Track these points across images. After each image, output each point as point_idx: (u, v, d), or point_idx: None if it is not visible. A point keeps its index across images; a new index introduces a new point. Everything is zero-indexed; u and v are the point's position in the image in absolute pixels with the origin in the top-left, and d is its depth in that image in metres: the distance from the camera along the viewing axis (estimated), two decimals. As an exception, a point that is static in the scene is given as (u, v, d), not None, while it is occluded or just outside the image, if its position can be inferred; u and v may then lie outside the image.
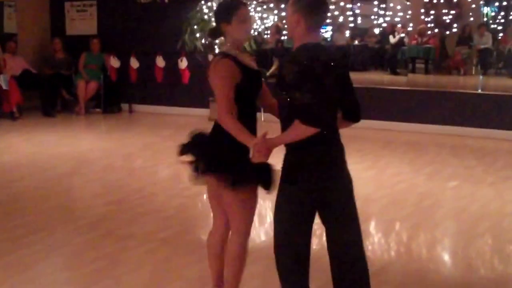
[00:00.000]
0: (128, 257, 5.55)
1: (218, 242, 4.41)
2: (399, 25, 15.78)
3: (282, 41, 15.64)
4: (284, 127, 3.78)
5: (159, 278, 5.09)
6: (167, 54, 13.39)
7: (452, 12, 15.40)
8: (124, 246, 5.82)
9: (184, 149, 4.19)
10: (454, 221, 6.81)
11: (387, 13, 16.46)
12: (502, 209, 7.16)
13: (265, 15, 14.67)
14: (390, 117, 12.01)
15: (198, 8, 12.86)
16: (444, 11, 15.44)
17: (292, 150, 3.78)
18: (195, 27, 12.69)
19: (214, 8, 12.19)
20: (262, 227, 6.52)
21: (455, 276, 5.38)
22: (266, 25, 15.13)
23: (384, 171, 8.84)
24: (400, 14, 15.74)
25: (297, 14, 3.70)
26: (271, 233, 6.22)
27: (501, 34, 14.81)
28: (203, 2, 12.77)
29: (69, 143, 10.89)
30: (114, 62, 13.80)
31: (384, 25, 16.53)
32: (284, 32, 15.51)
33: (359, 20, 17.22)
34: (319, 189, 3.80)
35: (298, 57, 3.67)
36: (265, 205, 6.82)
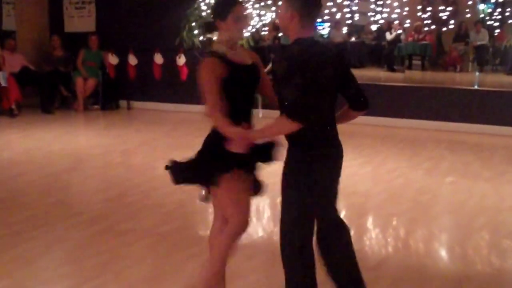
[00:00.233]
0: (128, 252, 5.58)
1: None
2: (396, 22, 15.82)
3: (279, 38, 15.66)
4: None
5: (159, 273, 5.12)
6: (165, 51, 13.40)
7: (449, 9, 15.44)
8: (124, 241, 5.85)
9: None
10: (451, 216, 6.85)
11: (384, 10, 16.49)
12: (499, 204, 7.20)
13: (262, 12, 14.69)
14: (387, 113, 12.04)
15: (196, 5, 12.89)
16: (440, 8, 15.49)
17: (294, 147, 3.83)
18: (193, 24, 12.73)
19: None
20: (260, 223, 6.56)
21: (452, 270, 5.41)
22: (264, 22, 15.15)
23: (382, 167, 8.87)
24: (397, 11, 15.77)
25: (290, 10, 3.74)
26: (269, 228, 6.32)
27: (497, 31, 14.87)
28: (201, -1, 12.82)
29: (68, 140, 10.92)
30: (113, 59, 13.82)
31: (381, 22, 16.57)
32: (282, 28, 15.54)
33: (356, 17, 17.24)
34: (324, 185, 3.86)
35: (288, 52, 3.72)
36: (263, 202, 6.87)
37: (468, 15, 15.09)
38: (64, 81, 13.87)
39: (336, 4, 15.53)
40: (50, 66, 13.93)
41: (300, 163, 3.80)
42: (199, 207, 7.28)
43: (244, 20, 4.13)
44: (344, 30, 16.75)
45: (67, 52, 14.18)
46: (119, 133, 11.60)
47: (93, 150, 10.08)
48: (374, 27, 16.94)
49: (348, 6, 16.72)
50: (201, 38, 12.77)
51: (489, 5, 15.59)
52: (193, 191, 7.40)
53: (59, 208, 6.98)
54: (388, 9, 16.31)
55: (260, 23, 14.89)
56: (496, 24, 15.03)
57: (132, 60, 13.81)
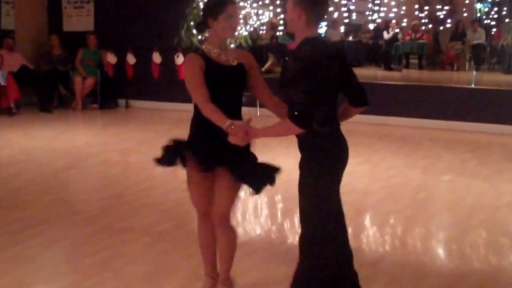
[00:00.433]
0: (127, 250, 5.61)
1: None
2: (393, 21, 15.87)
3: (277, 37, 15.71)
4: None
5: (158, 270, 5.15)
6: (164, 50, 13.41)
7: (446, 8, 15.50)
8: (123, 239, 5.87)
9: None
10: (448, 213, 6.88)
11: (381, 9, 16.55)
12: (496, 202, 7.23)
13: (260, 11, 14.72)
14: (384, 112, 12.06)
15: (194, 5, 12.91)
16: (437, 7, 15.55)
17: (302, 143, 3.86)
18: (192, 23, 12.75)
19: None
20: (258, 221, 6.60)
21: (449, 267, 5.44)
22: (262, 21, 15.18)
23: (379, 165, 8.91)
24: (394, 10, 15.83)
25: (298, 8, 3.76)
26: (266, 226, 6.35)
27: (494, 30, 14.92)
28: (199, -2, 12.84)
29: (66, 139, 10.93)
30: (111, 58, 13.83)
31: (378, 21, 16.62)
32: (280, 28, 15.59)
33: (353, 16, 17.29)
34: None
35: (301, 51, 3.73)
36: (261, 199, 6.90)
37: (465, 14, 15.16)
38: (63, 80, 13.89)
39: (333, 3, 15.58)
40: (48, 65, 13.95)
41: (319, 158, 3.82)
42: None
43: (235, 19, 4.14)
44: (342, 29, 16.80)
45: (65, 51, 14.19)
46: (118, 132, 11.62)
47: (91, 149, 10.09)
48: (371, 26, 16.99)
49: (345, 5, 16.77)
50: (199, 37, 12.79)
51: (486, 4, 15.65)
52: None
53: (58, 206, 7.00)
54: (385, 8, 16.37)
55: (258, 22, 14.92)
56: (493, 23, 15.10)
57: (131, 59, 13.83)
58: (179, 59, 13.17)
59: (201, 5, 12.58)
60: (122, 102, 14.38)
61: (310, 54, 3.68)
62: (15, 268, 5.18)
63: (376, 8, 16.85)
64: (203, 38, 12.53)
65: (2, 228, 6.15)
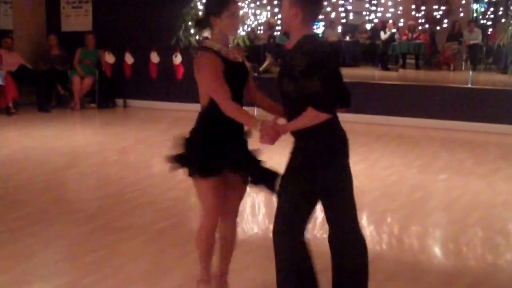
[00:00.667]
0: (125, 248, 5.64)
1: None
2: (390, 21, 15.90)
3: (274, 37, 15.75)
4: (290, 117, 3.91)
5: (156, 268, 5.18)
6: (162, 50, 13.44)
7: (442, 8, 15.54)
8: (121, 237, 5.90)
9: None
10: (445, 212, 6.91)
11: (378, 9, 16.58)
12: (492, 200, 7.26)
13: (258, 12, 14.76)
14: (381, 112, 12.09)
15: (192, 5, 12.93)
16: (434, 7, 15.59)
17: (298, 140, 3.91)
18: (190, 23, 12.78)
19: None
20: (255, 219, 6.64)
21: (446, 265, 5.48)
22: (259, 21, 15.22)
23: (376, 164, 8.94)
24: (391, 10, 15.86)
25: (294, 7, 3.80)
26: (263, 225, 6.39)
27: (490, 30, 14.96)
28: (197, -2, 12.88)
29: (65, 138, 10.96)
30: (109, 58, 13.85)
31: (376, 21, 16.66)
32: (277, 28, 15.62)
33: (350, 16, 17.33)
34: (323, 178, 3.92)
35: (306, 46, 3.79)
36: (258, 198, 6.93)
37: (462, 15, 15.20)
38: (61, 79, 13.89)
39: (331, 4, 15.62)
40: (47, 65, 13.96)
41: (306, 156, 3.89)
42: (195, 204, 7.34)
43: (238, 17, 4.15)
44: (339, 29, 16.83)
45: (64, 51, 14.21)
46: (116, 131, 11.65)
47: (89, 148, 10.13)
48: (368, 26, 17.03)
49: (342, 5, 16.81)
50: (197, 37, 12.82)
51: (482, 5, 15.69)
52: (189, 189, 7.49)
53: (57, 205, 7.03)
54: (382, 9, 16.41)
55: (256, 22, 14.96)
56: (489, 23, 15.14)
57: (129, 59, 13.84)
58: (177, 59, 13.20)
59: (199, 5, 12.63)
60: (120, 101, 14.40)
61: (316, 47, 3.78)
62: (14, 266, 5.21)
63: (373, 8, 16.89)
64: (201, 38, 12.57)
65: (1, 226, 6.18)
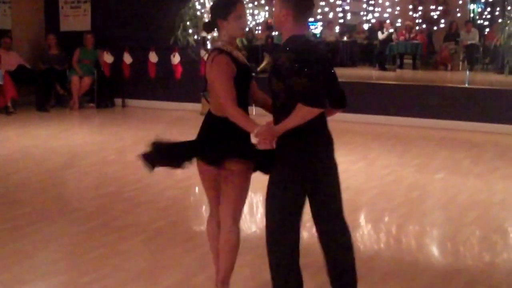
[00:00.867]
0: (124, 247, 5.66)
1: (217, 232, 4.47)
2: (388, 21, 15.92)
3: (272, 37, 15.77)
4: (278, 117, 3.92)
5: (155, 267, 5.21)
6: (160, 50, 13.44)
7: (440, 8, 15.56)
8: (120, 236, 5.93)
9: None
10: (442, 211, 6.95)
11: (376, 9, 16.60)
12: (489, 199, 7.28)
13: (256, 12, 14.79)
14: (379, 111, 12.10)
15: (191, 4, 12.95)
16: (431, 7, 15.61)
17: (284, 138, 3.91)
18: (188, 23, 12.80)
19: (207, 4, 12.32)
20: (252, 218, 6.66)
21: (443, 264, 5.51)
22: (257, 22, 15.26)
23: (374, 163, 8.96)
24: (389, 10, 15.88)
25: (285, 9, 3.85)
26: (261, 224, 6.40)
27: (487, 30, 14.99)
28: (195, -2, 12.91)
29: (64, 137, 10.97)
30: (108, 58, 13.85)
31: (373, 21, 16.68)
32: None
33: (348, 16, 17.34)
34: (311, 177, 3.96)
35: (292, 45, 3.83)
36: (256, 197, 6.96)
37: (459, 15, 15.21)
38: (60, 79, 13.90)
39: (328, 4, 15.64)
40: (45, 64, 13.96)
41: (296, 150, 3.90)
42: (193, 203, 7.41)
43: (244, 18, 4.19)
44: (337, 29, 16.85)
45: (62, 51, 14.21)
46: (114, 130, 11.66)
47: (88, 147, 10.14)
48: (366, 27, 17.06)
49: (340, 5, 16.83)
50: (195, 37, 12.86)
51: (479, 5, 15.72)
52: (187, 188, 7.56)
53: (56, 204, 7.07)
54: (379, 9, 16.43)
55: (254, 23, 14.99)
56: (486, 23, 15.17)
57: (127, 58, 13.85)
58: (175, 59, 13.21)
59: (197, 5, 12.66)
60: (118, 101, 14.39)
61: (302, 46, 3.81)
62: (13, 264, 5.24)
63: (371, 8, 16.91)
64: (199, 38, 12.61)
65: (0, 225, 6.20)
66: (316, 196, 4.07)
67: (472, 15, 15.83)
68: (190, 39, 12.87)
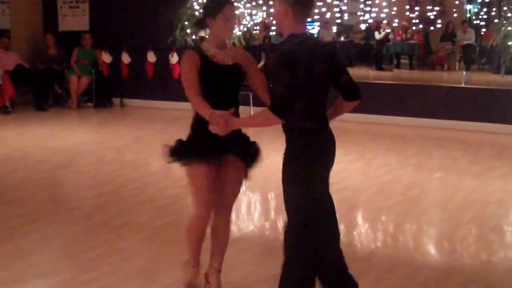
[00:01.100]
0: (123, 245, 5.69)
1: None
2: (384, 22, 15.93)
3: (270, 37, 15.78)
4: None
5: (154, 265, 5.23)
6: (158, 50, 13.46)
7: (436, 8, 15.59)
8: (120, 234, 5.96)
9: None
10: (439, 210, 6.98)
11: (373, 9, 16.60)
12: (486, 198, 7.31)
13: (253, 12, 14.81)
14: (376, 111, 12.13)
15: (189, 5, 12.97)
16: (428, 7, 15.63)
17: (295, 139, 3.90)
18: (186, 23, 12.83)
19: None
20: (251, 216, 6.70)
21: (440, 262, 5.54)
22: (255, 22, 15.27)
23: (371, 163, 8.99)
24: (386, 10, 15.89)
25: (284, 7, 3.84)
26: (259, 222, 6.44)
27: (483, 30, 15.01)
28: (193, -2, 12.93)
29: (62, 137, 10.98)
30: (106, 57, 13.87)
31: (370, 21, 16.68)
32: (272, 28, 15.67)
33: (345, 16, 17.35)
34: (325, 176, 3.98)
35: (280, 48, 3.83)
36: (254, 197, 6.99)
37: (455, 15, 15.22)
38: (58, 79, 13.92)
39: (326, 4, 15.65)
40: (44, 64, 13.97)
41: (297, 152, 3.88)
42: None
43: (233, 20, 4.22)
44: (334, 29, 16.86)
45: (61, 51, 14.23)
46: (113, 130, 11.69)
47: (87, 146, 10.16)
48: (363, 27, 17.07)
49: (337, 6, 16.84)
50: (193, 37, 12.88)
51: (476, 6, 15.74)
52: (186, 187, 7.53)
53: (54, 203, 7.10)
54: (376, 9, 16.43)
55: (251, 23, 15.00)
56: (482, 24, 15.18)
57: (126, 58, 13.87)
58: (174, 58, 13.23)
59: (195, 5, 12.67)
60: (116, 100, 14.42)
61: (291, 48, 3.76)
62: (12, 263, 5.27)
63: (368, 8, 16.92)
64: (198, 38, 12.63)
65: (-1, 224, 6.23)
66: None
67: (468, 15, 15.84)
68: (188, 39, 12.90)
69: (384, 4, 15.78)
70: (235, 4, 4.35)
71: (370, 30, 16.60)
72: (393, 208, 6.93)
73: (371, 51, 16.39)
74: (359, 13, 17.05)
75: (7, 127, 11.71)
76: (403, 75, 15.21)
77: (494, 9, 14.73)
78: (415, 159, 9.22)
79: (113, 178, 8.12)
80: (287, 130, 3.90)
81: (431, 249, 5.94)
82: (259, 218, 6.68)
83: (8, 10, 14.73)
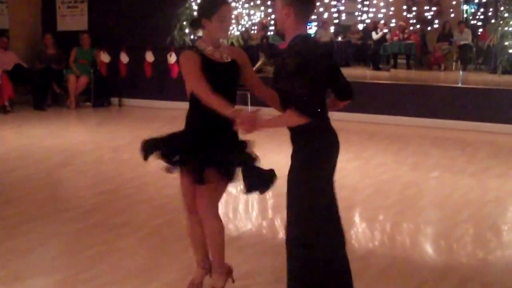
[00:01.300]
0: (122, 244, 5.70)
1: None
2: (382, 22, 15.97)
3: (268, 37, 15.83)
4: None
5: (153, 264, 5.24)
6: (157, 49, 13.49)
7: (433, 9, 15.63)
8: (118, 233, 5.97)
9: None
10: (436, 209, 6.98)
11: (370, 10, 16.64)
12: (483, 197, 7.33)
13: (251, 12, 14.83)
14: (374, 111, 12.16)
15: (187, 5, 13.00)
16: (425, 8, 15.67)
17: (302, 137, 3.91)
18: (184, 23, 12.85)
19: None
20: (248, 216, 6.72)
21: (437, 261, 5.55)
22: (253, 22, 15.29)
23: (369, 162, 9.01)
24: (383, 11, 15.93)
25: (287, 7, 3.85)
26: (256, 222, 6.45)
27: (480, 30, 15.06)
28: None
29: (60, 136, 11.00)
30: (105, 57, 13.90)
31: (367, 21, 16.72)
32: (270, 28, 15.70)
33: (343, 16, 17.39)
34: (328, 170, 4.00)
35: (298, 47, 3.84)
36: (252, 195, 6.99)
37: (452, 15, 15.28)
38: (57, 78, 13.95)
39: (323, 4, 15.69)
40: (42, 64, 14.01)
41: (314, 151, 3.89)
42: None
43: (228, 20, 4.23)
44: (331, 29, 16.90)
45: (59, 50, 14.26)
46: (111, 129, 11.70)
47: (85, 146, 10.17)
48: (360, 27, 17.11)
49: (335, 6, 16.88)
50: (192, 36, 12.89)
51: (472, 6, 15.79)
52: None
53: (53, 202, 7.09)
54: (374, 9, 16.48)
55: (249, 23, 15.03)
56: (479, 24, 15.24)
57: (124, 58, 13.89)
58: (172, 58, 13.25)
59: (194, 5, 12.69)
60: (115, 100, 14.45)
61: (307, 49, 3.80)
62: (10, 261, 5.27)
63: (365, 9, 16.96)
64: (196, 38, 12.64)
65: (-2, 223, 6.24)
66: None
67: (465, 15, 15.90)
68: (187, 39, 12.93)
69: (382, 4, 15.83)
70: (232, 4, 4.36)
71: (367, 30, 16.66)
72: (390, 207, 6.95)
73: (369, 51, 16.44)
74: (356, 13, 17.11)
75: (5, 126, 11.71)
76: (400, 75, 15.26)
77: (490, 9, 14.79)
78: (413, 159, 9.24)
79: (112, 177, 8.14)
80: (300, 130, 3.88)
81: (429, 248, 5.95)
82: (257, 217, 6.70)
83: (7, 10, 14.76)
